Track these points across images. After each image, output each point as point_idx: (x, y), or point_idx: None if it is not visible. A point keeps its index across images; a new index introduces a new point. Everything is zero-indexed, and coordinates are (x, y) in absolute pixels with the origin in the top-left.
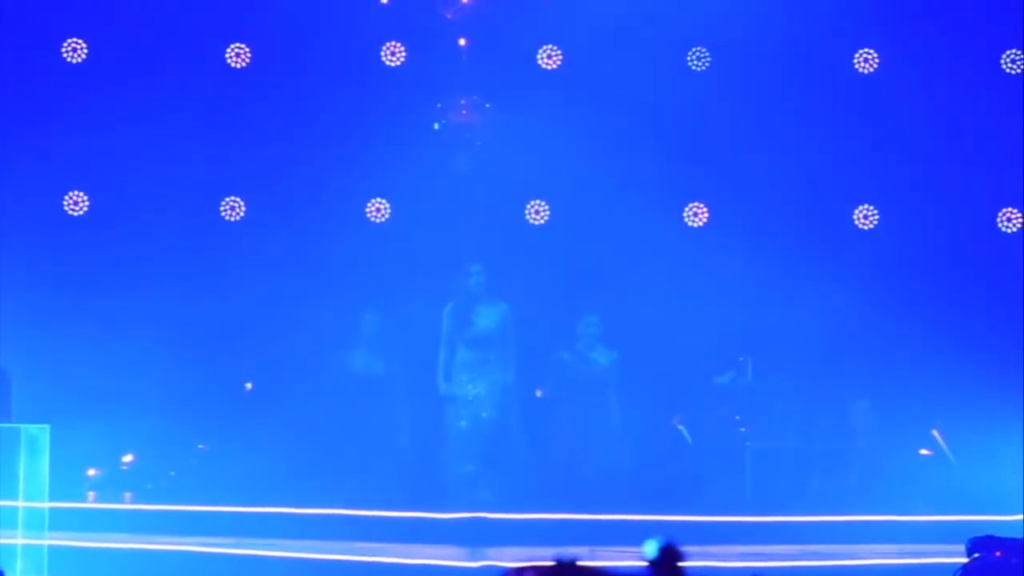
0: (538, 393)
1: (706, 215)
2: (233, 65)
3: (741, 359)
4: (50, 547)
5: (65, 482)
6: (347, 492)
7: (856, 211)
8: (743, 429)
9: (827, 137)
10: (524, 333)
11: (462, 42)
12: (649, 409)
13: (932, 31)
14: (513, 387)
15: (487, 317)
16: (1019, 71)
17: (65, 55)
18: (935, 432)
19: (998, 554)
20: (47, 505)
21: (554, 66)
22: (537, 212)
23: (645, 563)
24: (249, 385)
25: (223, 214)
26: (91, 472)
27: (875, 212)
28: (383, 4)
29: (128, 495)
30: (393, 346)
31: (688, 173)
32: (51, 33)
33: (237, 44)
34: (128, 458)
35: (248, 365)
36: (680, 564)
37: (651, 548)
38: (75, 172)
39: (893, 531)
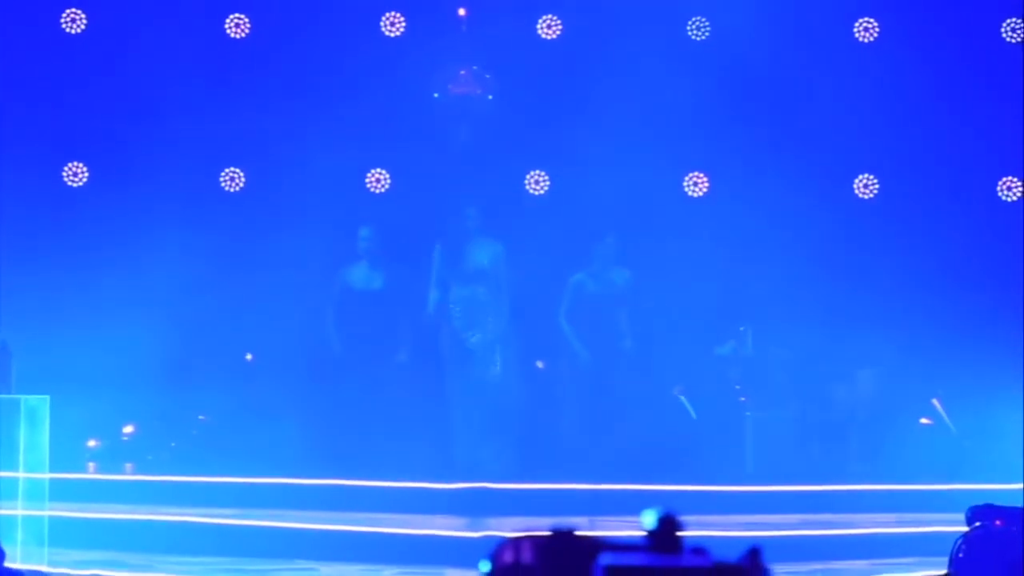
0: (539, 364)
1: (706, 185)
2: (232, 36)
3: (741, 329)
4: (51, 518)
5: (65, 453)
6: (348, 463)
7: (856, 180)
8: (743, 399)
9: (827, 107)
10: (521, 305)
11: (462, 12)
12: (650, 379)
13: (932, 0)
14: (511, 350)
15: (480, 255)
16: (1019, 40)
17: (64, 25)
18: (935, 401)
19: (998, 523)
20: (47, 476)
21: (554, 36)
22: (537, 182)
23: (644, 533)
24: (249, 356)
25: (223, 185)
26: (91, 443)
27: (875, 181)
28: None
29: (129, 466)
30: (394, 317)
31: (688, 143)
32: (50, 3)
33: (236, 15)
34: (128, 429)
35: (248, 336)
36: (679, 534)
37: (650, 518)
38: (74, 143)
39: (893, 500)
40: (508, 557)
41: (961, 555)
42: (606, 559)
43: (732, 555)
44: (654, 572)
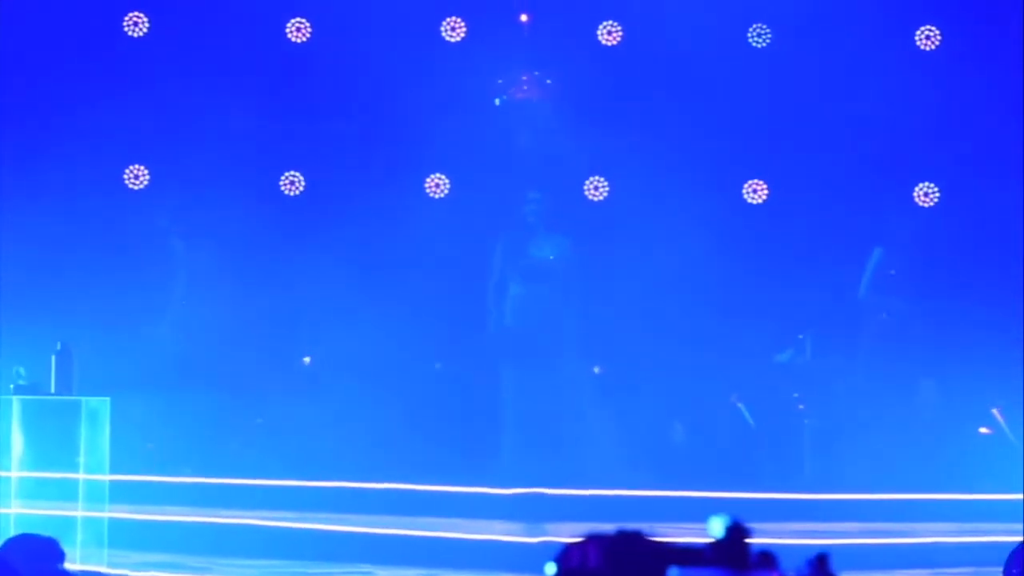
0: (596, 370)
1: (765, 192)
2: (294, 40)
3: (800, 337)
4: (110, 519)
5: (125, 454)
6: (405, 466)
7: (916, 188)
8: (801, 407)
9: (887, 114)
10: (582, 309)
11: (524, 17)
12: (708, 386)
13: (994, 8)
14: (570, 353)
15: (544, 251)
16: None
17: (126, 29)
18: (995, 411)
19: None
20: (108, 478)
21: (614, 42)
22: (596, 188)
23: (709, 540)
24: (307, 359)
25: (283, 188)
26: (150, 445)
27: (936, 190)
28: None
29: (188, 468)
30: (451, 319)
31: (747, 150)
32: (113, 7)
33: (298, 19)
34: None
35: (306, 339)
36: (747, 542)
37: (718, 526)
38: (135, 146)
39: (953, 509)
40: (575, 560)
41: (1016, 571)
42: (674, 573)
43: (795, 563)
44: None
